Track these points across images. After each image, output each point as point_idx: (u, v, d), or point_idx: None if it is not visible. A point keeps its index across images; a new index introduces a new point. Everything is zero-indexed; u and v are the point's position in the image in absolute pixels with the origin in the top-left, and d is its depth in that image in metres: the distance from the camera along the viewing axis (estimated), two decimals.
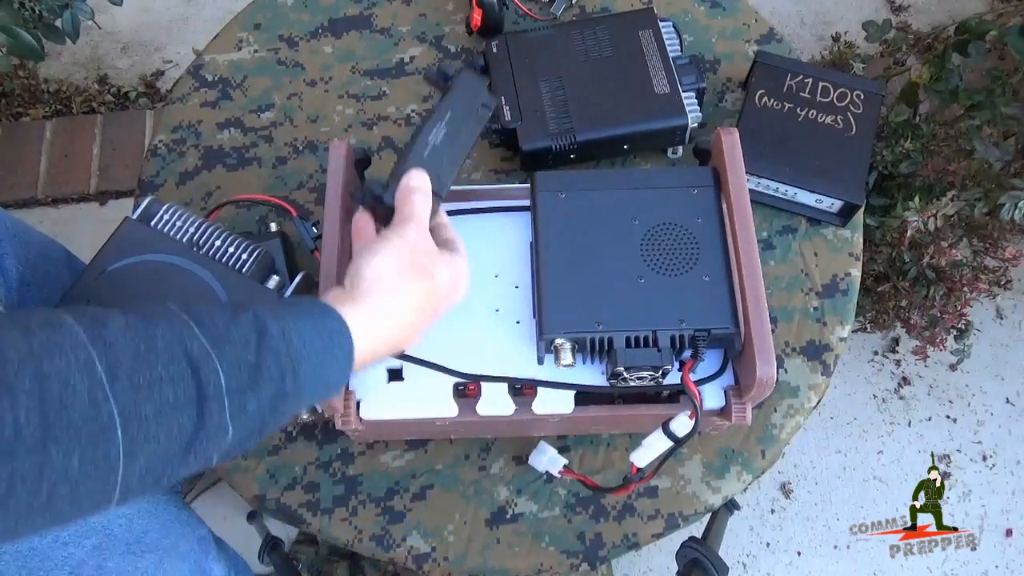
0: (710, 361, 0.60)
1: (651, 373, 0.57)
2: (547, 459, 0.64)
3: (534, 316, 0.60)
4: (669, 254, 0.60)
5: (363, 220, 0.56)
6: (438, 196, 0.57)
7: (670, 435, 0.57)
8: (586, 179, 0.65)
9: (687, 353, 0.58)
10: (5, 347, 0.34)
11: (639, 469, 0.60)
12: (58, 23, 1.00)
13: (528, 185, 0.65)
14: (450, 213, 0.66)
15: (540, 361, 0.60)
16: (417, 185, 0.55)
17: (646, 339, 0.57)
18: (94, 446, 0.35)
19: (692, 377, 0.57)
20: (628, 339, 0.57)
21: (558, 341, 0.57)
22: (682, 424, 0.56)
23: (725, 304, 0.58)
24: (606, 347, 0.57)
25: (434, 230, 0.59)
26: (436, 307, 0.54)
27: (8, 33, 0.92)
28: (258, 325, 0.43)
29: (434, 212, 0.57)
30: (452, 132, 0.58)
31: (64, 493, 0.35)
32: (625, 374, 0.57)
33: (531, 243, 0.64)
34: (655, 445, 0.58)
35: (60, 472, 0.34)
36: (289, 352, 0.43)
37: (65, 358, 0.35)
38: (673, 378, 0.58)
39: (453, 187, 0.69)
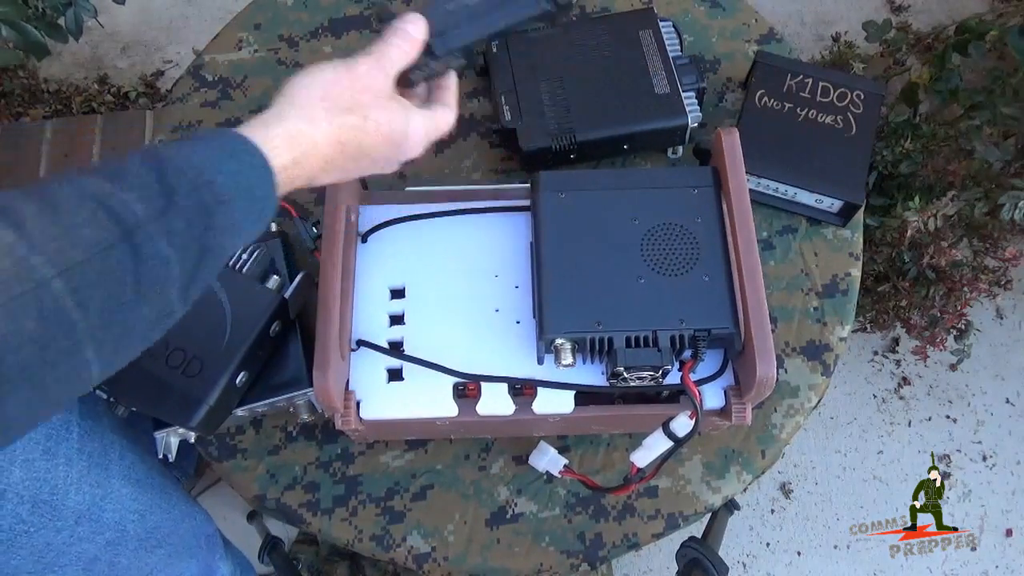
0: (710, 361, 0.60)
1: (651, 373, 0.57)
2: (547, 459, 0.64)
3: (534, 316, 0.60)
4: (669, 254, 0.60)
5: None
6: (432, 54, 0.53)
7: (670, 435, 0.57)
8: (586, 179, 0.65)
9: (687, 353, 0.58)
10: None
11: (639, 469, 0.60)
12: (61, 21, 1.00)
13: (528, 185, 0.65)
14: (450, 213, 0.67)
15: (540, 361, 0.60)
16: (405, 27, 0.52)
17: (646, 339, 0.57)
18: (39, 302, 0.34)
19: (692, 377, 0.57)
20: (628, 339, 0.57)
21: (558, 341, 0.57)
22: (682, 424, 0.56)
23: (725, 304, 0.58)
24: (606, 347, 0.57)
25: (437, 89, 0.56)
26: (364, 151, 0.49)
27: (15, 28, 0.92)
28: (148, 154, 0.41)
29: (424, 67, 0.53)
30: (494, 2, 0.55)
31: (32, 357, 0.34)
32: (625, 374, 0.57)
33: (531, 243, 0.64)
34: (655, 445, 0.58)
35: (18, 335, 0.33)
36: (193, 169, 0.41)
37: None
38: (673, 378, 0.58)
39: (454, 187, 0.70)
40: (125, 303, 0.37)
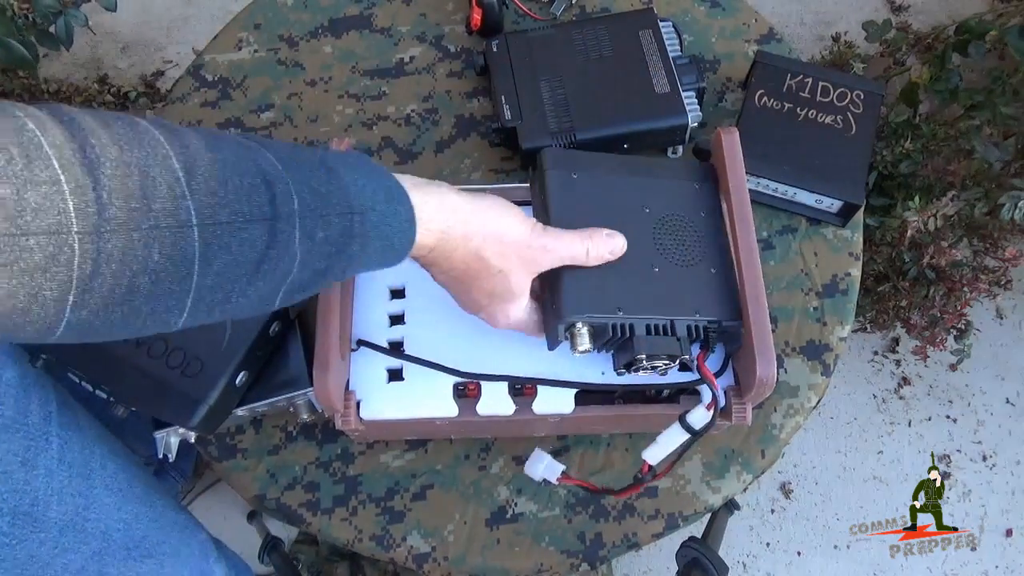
0: (710, 360, 0.60)
1: (666, 362, 0.56)
2: (544, 466, 0.63)
3: (541, 300, 0.58)
4: (679, 245, 0.59)
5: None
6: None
7: (687, 428, 0.55)
8: (593, 160, 0.63)
9: (695, 346, 0.58)
10: (87, 132, 0.34)
11: (651, 467, 0.58)
12: (52, 29, 1.00)
13: (527, 185, 0.65)
14: None
15: (552, 346, 0.58)
16: (613, 241, 0.56)
17: (664, 328, 0.56)
18: (173, 242, 0.35)
19: (693, 376, 0.57)
20: (648, 327, 0.56)
21: (578, 325, 0.56)
22: (699, 416, 0.55)
23: (734, 298, 0.58)
24: (627, 334, 0.56)
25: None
26: (475, 286, 0.53)
27: (1, 44, 0.92)
28: (325, 160, 0.43)
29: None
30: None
31: (144, 286, 0.35)
32: (644, 362, 0.56)
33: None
34: (669, 441, 0.56)
35: (142, 261, 0.34)
36: (357, 193, 0.43)
37: (144, 150, 0.35)
38: (674, 377, 0.58)
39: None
40: (240, 277, 0.39)
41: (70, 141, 0.33)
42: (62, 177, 0.32)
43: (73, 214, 0.32)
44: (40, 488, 0.56)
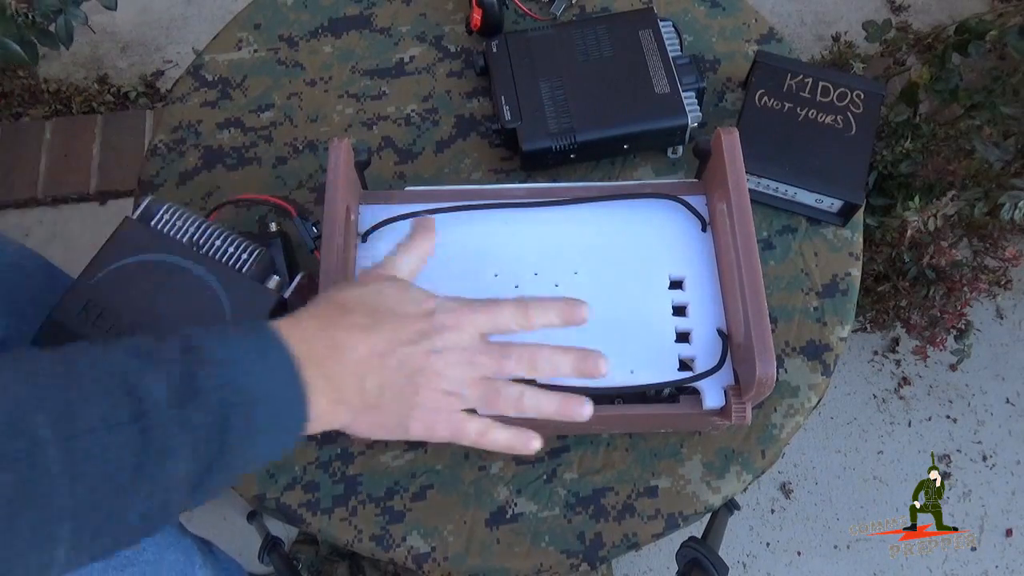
0: (710, 355, 0.60)
1: None
2: None
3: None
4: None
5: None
6: None
7: None
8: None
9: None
10: None
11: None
12: (52, 27, 1.00)
13: (527, 185, 0.65)
14: (451, 209, 0.67)
15: None
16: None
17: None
18: (26, 463, 0.31)
19: (692, 372, 0.57)
20: None
21: None
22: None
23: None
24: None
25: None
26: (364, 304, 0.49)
27: None
28: (185, 337, 0.40)
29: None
30: None
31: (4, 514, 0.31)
32: None
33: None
34: None
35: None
36: (224, 365, 0.39)
37: None
38: (672, 377, 0.58)
39: (453, 187, 0.70)
40: (119, 487, 0.35)
41: None
42: None
43: None
44: None
